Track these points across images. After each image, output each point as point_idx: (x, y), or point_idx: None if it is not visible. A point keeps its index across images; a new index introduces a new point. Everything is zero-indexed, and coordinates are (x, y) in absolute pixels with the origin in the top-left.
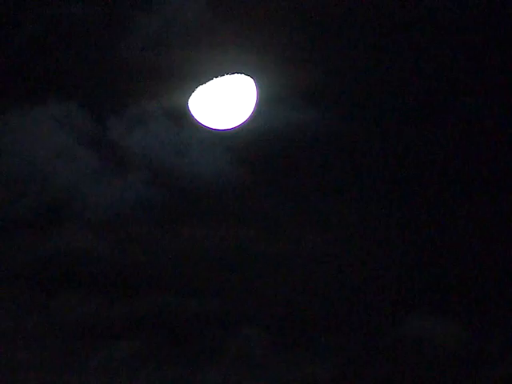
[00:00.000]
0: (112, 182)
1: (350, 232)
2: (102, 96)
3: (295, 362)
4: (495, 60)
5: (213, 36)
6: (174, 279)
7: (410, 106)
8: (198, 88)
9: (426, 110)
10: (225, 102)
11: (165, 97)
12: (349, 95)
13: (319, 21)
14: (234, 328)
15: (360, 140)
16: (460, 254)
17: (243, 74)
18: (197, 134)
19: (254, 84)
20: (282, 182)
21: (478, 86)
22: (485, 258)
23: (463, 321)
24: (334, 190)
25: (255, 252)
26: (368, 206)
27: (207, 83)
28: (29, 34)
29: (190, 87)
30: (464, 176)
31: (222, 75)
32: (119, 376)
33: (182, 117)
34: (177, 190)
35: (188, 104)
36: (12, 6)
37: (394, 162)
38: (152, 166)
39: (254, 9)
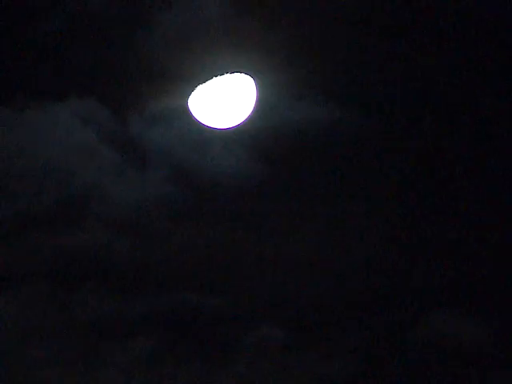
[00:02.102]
0: (132, 179)
1: (368, 228)
2: (123, 92)
3: (312, 361)
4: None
5: (213, 36)
6: (192, 277)
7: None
8: (198, 87)
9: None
10: (224, 101)
11: (165, 96)
12: (349, 94)
13: (319, 20)
14: (251, 326)
15: (361, 139)
16: (483, 252)
17: (243, 73)
18: (196, 132)
19: (253, 83)
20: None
21: (500, 85)
22: (509, 255)
23: (486, 319)
24: (336, 189)
25: (274, 250)
26: (382, 202)
27: (207, 82)
28: (49, 30)
29: (189, 86)
30: (488, 173)
31: (221, 74)
32: (137, 373)
33: (181, 115)
34: (197, 187)
35: (187, 103)
36: (33, 2)
37: (398, 162)
38: (172, 162)
39: (253, 8)
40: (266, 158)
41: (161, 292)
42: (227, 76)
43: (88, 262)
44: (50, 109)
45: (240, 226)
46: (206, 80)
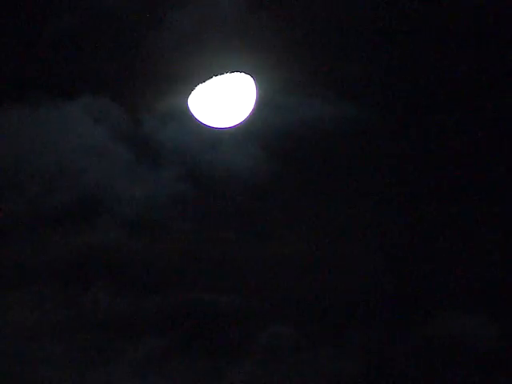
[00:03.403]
0: (145, 177)
1: (379, 226)
2: (136, 90)
3: (324, 358)
4: None
5: (213, 35)
6: (204, 275)
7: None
8: (198, 86)
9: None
10: (224, 100)
11: (165, 95)
12: (349, 93)
13: (318, 19)
14: (263, 324)
15: (361, 138)
16: (495, 252)
17: (243, 73)
18: (197, 132)
19: (253, 82)
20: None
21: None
22: None
23: (495, 319)
24: (340, 186)
25: (286, 249)
26: (390, 201)
27: (206, 82)
28: (62, 28)
29: (189, 86)
30: (499, 174)
31: (221, 73)
32: (148, 371)
33: (182, 115)
34: (209, 186)
35: (187, 103)
36: (46, 1)
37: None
38: (185, 161)
39: (252, 8)
40: (272, 155)
41: (172, 291)
42: (227, 75)
43: (100, 260)
44: (62, 107)
45: (251, 225)
46: (207, 79)
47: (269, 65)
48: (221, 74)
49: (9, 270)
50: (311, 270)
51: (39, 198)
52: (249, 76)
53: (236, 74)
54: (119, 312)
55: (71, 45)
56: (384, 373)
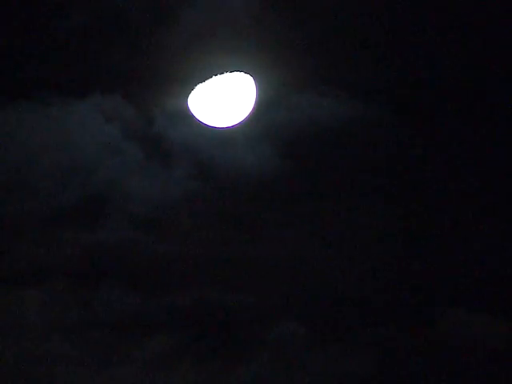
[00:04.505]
0: (156, 175)
1: (388, 225)
2: (147, 89)
3: (334, 357)
4: None
5: (212, 35)
6: (214, 274)
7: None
8: (198, 86)
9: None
10: (224, 99)
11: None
12: (349, 92)
13: (318, 18)
14: (273, 322)
15: (362, 137)
16: (506, 251)
17: (242, 72)
18: (197, 131)
19: (253, 82)
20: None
21: None
22: None
23: (508, 319)
24: (339, 186)
25: (296, 247)
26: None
27: (206, 81)
28: (74, 26)
29: (189, 85)
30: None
31: (220, 73)
32: (159, 369)
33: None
34: (221, 184)
35: (187, 102)
36: None
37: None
38: (196, 159)
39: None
40: (273, 154)
41: (183, 289)
42: (226, 75)
43: (111, 258)
44: (74, 105)
45: (261, 224)
46: (207, 79)
47: (269, 65)
48: (221, 73)
49: (21, 268)
50: (322, 269)
51: (51, 196)
52: (249, 76)
53: (236, 74)
54: (130, 311)
55: (82, 44)
56: (394, 372)
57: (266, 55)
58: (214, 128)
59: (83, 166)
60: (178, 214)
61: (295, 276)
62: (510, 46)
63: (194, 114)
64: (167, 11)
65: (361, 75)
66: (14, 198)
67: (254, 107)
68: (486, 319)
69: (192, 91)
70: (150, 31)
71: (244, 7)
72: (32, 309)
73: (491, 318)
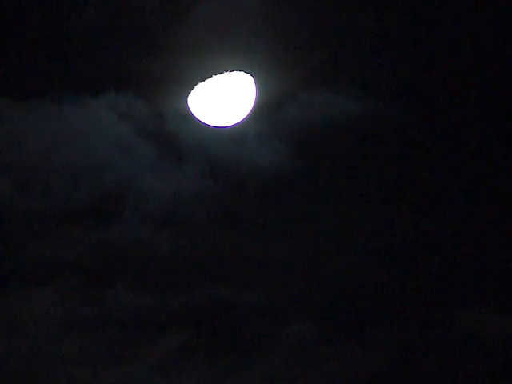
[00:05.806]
0: (169, 174)
1: (405, 224)
2: (160, 87)
3: (345, 356)
4: None
5: (212, 35)
6: (226, 272)
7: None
8: (198, 86)
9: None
10: (224, 99)
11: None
12: (348, 92)
13: (318, 18)
14: (285, 321)
15: (362, 136)
16: None
17: (242, 72)
18: (197, 131)
19: (253, 82)
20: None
21: None
22: None
23: None
24: (341, 186)
25: (307, 246)
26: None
27: (206, 81)
28: (87, 25)
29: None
30: None
31: (220, 73)
32: (170, 367)
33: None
34: (233, 182)
35: (187, 102)
36: None
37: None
38: (209, 157)
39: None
40: (275, 154)
41: (195, 287)
42: (226, 75)
43: (122, 257)
44: (87, 103)
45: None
46: (207, 79)
47: (269, 64)
48: (220, 73)
49: (33, 266)
50: (335, 267)
51: (64, 194)
52: (249, 75)
53: (236, 73)
54: (142, 309)
55: (95, 42)
56: (408, 370)
57: (266, 55)
58: (215, 128)
59: (96, 165)
60: (190, 213)
61: (308, 274)
62: None
63: (194, 114)
64: (182, 9)
65: (364, 73)
66: (28, 196)
67: (253, 107)
68: (504, 319)
69: (191, 91)
70: (164, 29)
71: (244, 7)
72: (44, 307)
73: (506, 316)
